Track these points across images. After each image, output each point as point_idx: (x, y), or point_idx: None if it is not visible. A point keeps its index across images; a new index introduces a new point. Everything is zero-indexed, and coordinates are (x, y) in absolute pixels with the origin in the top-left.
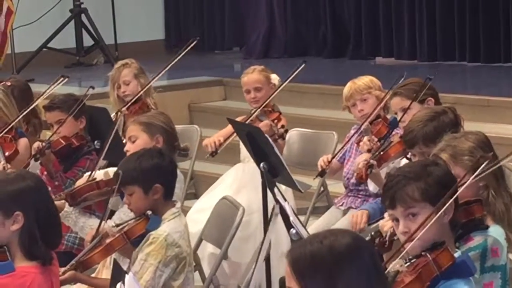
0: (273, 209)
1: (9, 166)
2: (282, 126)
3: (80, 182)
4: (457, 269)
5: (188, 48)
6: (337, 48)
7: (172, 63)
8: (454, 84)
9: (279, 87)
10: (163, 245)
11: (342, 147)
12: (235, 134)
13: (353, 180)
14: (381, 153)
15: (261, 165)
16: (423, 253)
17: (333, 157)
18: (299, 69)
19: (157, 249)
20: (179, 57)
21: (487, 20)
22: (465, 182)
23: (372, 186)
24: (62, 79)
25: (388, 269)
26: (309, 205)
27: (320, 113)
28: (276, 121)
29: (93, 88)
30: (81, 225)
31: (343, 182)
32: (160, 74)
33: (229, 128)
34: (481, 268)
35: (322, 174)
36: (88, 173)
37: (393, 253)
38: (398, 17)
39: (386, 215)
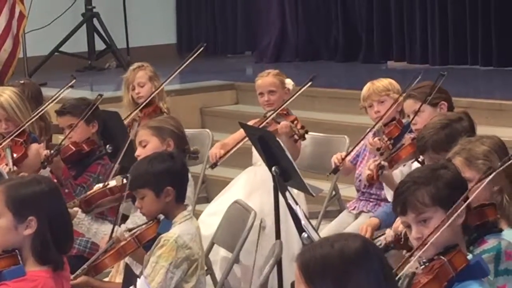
0: (260, 223)
1: (15, 168)
2: (302, 127)
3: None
4: (471, 271)
5: (196, 54)
6: (349, 52)
7: (180, 69)
8: (466, 88)
9: (290, 98)
10: (174, 247)
11: (356, 145)
12: (237, 146)
13: (365, 182)
14: (392, 154)
15: (273, 169)
16: (435, 257)
17: (347, 155)
18: (308, 84)
19: (167, 251)
20: (187, 63)
21: (499, 24)
22: (479, 187)
23: (389, 195)
24: (72, 80)
25: (404, 271)
26: (321, 209)
27: (331, 117)
28: (295, 122)
29: (101, 95)
30: (94, 231)
31: (355, 185)
32: (169, 79)
33: (241, 132)
34: (495, 271)
35: (335, 171)
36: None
37: (405, 257)
38: (410, 21)
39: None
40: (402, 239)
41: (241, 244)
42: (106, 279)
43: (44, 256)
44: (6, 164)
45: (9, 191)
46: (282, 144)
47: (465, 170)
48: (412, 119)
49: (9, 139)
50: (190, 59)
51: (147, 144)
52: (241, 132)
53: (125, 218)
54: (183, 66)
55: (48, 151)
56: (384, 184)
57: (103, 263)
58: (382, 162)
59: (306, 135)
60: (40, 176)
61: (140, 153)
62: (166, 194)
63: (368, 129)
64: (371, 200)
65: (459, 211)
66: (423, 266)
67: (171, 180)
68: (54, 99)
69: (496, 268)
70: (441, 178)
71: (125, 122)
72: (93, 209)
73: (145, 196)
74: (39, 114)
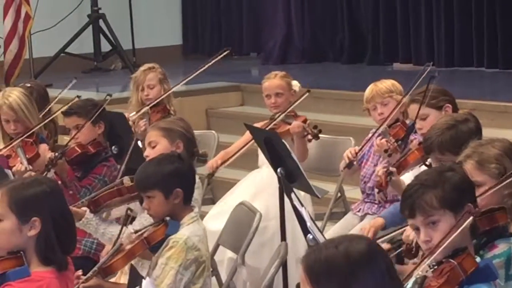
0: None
1: (31, 167)
2: (315, 127)
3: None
4: (480, 274)
5: (220, 57)
6: (355, 54)
7: (201, 70)
8: (472, 90)
9: (291, 105)
10: (183, 248)
11: (364, 144)
12: (237, 154)
13: (369, 184)
14: (400, 160)
15: (278, 170)
16: (444, 260)
17: (360, 148)
18: (303, 98)
19: (177, 252)
20: (208, 65)
21: (505, 26)
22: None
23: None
24: (73, 81)
25: (414, 275)
26: (326, 210)
27: (337, 118)
28: (308, 121)
29: (110, 95)
30: (102, 231)
31: (360, 186)
32: (186, 81)
33: (244, 137)
34: (506, 276)
35: (349, 165)
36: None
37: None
38: (416, 23)
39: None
40: (414, 249)
41: (246, 245)
42: (112, 280)
43: (49, 256)
44: (21, 163)
45: (12, 192)
46: (287, 146)
47: (476, 173)
48: (414, 122)
49: (20, 140)
50: (213, 62)
51: (156, 145)
52: (244, 138)
53: (131, 219)
54: (203, 68)
55: (53, 154)
56: None
57: (113, 265)
58: (391, 168)
59: (319, 135)
60: (41, 177)
61: (149, 153)
62: (175, 196)
63: (373, 131)
64: (376, 202)
65: (470, 219)
66: (432, 269)
67: (180, 182)
68: (66, 102)
69: (507, 273)
70: (448, 180)
71: (132, 118)
72: (101, 210)
73: (154, 197)
74: (47, 115)
